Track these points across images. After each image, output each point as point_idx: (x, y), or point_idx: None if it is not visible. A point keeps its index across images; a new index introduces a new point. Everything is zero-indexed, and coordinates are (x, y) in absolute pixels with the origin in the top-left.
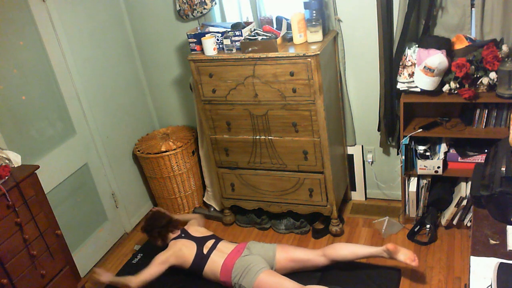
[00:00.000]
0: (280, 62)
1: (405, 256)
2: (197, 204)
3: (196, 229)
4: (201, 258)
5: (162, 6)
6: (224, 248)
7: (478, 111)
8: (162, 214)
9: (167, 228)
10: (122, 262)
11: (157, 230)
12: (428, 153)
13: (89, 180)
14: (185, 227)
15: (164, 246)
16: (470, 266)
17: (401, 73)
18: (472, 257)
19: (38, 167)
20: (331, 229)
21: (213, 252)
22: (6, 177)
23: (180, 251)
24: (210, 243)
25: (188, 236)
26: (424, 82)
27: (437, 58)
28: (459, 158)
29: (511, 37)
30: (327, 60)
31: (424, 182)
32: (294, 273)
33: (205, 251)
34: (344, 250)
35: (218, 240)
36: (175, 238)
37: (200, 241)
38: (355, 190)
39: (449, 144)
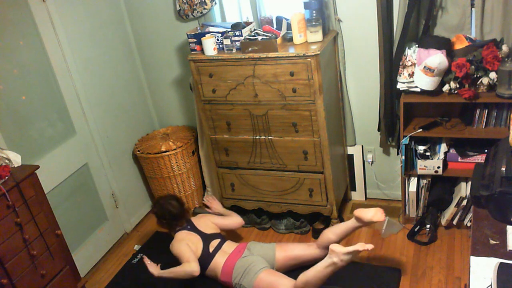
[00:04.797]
0: (280, 62)
1: (372, 213)
2: (197, 204)
3: (202, 224)
4: (207, 257)
5: (162, 6)
6: (227, 249)
7: (478, 111)
8: (176, 204)
9: (178, 222)
10: (122, 262)
11: (167, 220)
12: (428, 153)
13: (89, 180)
14: (192, 219)
15: (168, 233)
16: (470, 266)
17: (401, 73)
18: (472, 257)
19: (38, 167)
20: None
21: (218, 252)
22: (6, 177)
23: (190, 241)
24: (215, 242)
25: (193, 228)
26: (424, 82)
27: (437, 58)
28: (459, 158)
29: (511, 37)
30: (327, 60)
31: (424, 182)
32: (295, 271)
33: (211, 249)
34: (329, 233)
35: (223, 240)
36: (180, 229)
37: (206, 238)
38: (355, 190)
39: (449, 144)
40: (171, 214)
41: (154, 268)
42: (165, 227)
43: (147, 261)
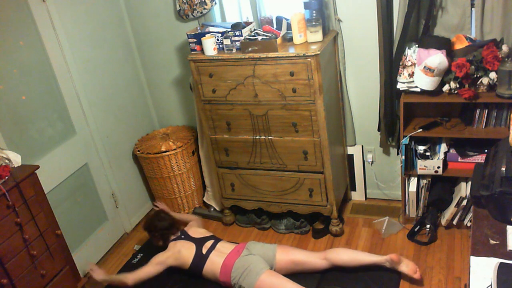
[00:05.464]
0: (280, 62)
1: (408, 267)
2: (197, 204)
3: (196, 230)
4: (200, 259)
5: (162, 6)
6: (223, 248)
7: (478, 111)
8: (165, 216)
9: (169, 231)
10: (122, 262)
11: (159, 232)
12: (428, 153)
13: (89, 180)
14: (185, 228)
15: (164, 246)
16: (470, 266)
17: (401, 73)
18: (472, 257)
19: (38, 167)
20: (331, 229)
21: (212, 252)
22: (6, 177)
23: (179, 253)
24: (209, 243)
25: (187, 237)
26: (424, 82)
27: (437, 58)
28: (459, 158)
29: (511, 37)
30: (327, 60)
31: (424, 182)
32: (293, 274)
33: (204, 251)
34: (346, 256)
35: (217, 240)
36: (174, 239)
37: (199, 242)
38: (355, 190)
39: (449, 144)
40: (162, 224)
41: (97, 274)
42: (159, 240)
43: (91, 268)
